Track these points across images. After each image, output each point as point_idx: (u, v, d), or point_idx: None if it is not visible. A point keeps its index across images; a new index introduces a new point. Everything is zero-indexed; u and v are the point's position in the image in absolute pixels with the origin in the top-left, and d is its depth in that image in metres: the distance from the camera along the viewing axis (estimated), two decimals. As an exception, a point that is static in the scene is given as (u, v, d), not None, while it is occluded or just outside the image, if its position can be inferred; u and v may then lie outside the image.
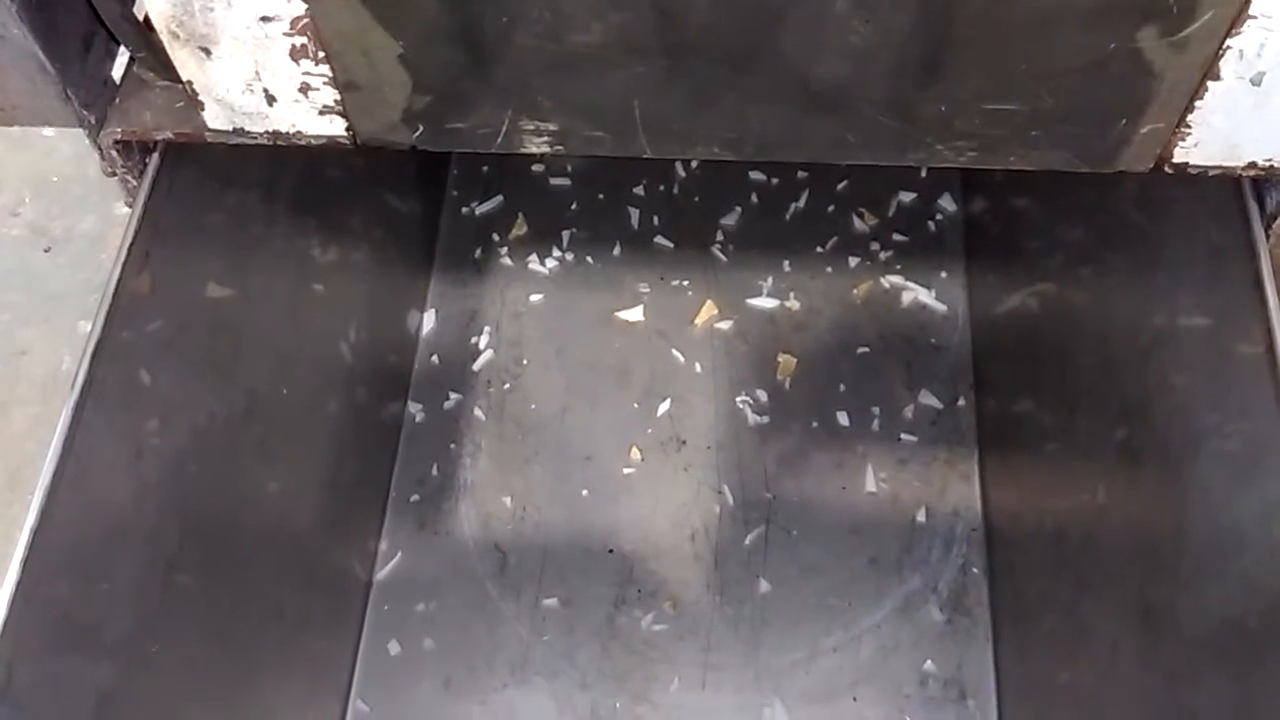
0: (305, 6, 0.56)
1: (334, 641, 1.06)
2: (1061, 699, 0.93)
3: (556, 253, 1.29)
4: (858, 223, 1.29)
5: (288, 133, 0.64)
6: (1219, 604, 0.71)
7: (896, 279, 1.26)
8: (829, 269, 1.27)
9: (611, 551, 1.13)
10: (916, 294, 1.25)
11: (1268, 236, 0.66)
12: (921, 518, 1.13)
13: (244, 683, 0.88)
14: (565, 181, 1.33)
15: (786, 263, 1.27)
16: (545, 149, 0.63)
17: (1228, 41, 0.54)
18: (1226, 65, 0.56)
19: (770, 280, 1.26)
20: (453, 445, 1.18)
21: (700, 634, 1.09)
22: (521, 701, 1.06)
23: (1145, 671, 0.79)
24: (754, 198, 1.31)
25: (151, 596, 0.73)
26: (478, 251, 1.29)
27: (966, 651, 1.07)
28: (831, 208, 1.30)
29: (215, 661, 0.83)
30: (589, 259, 1.29)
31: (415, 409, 1.21)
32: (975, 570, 1.11)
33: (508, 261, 1.29)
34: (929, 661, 1.07)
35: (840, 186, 1.31)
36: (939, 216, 1.29)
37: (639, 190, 1.32)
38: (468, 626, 1.09)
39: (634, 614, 1.10)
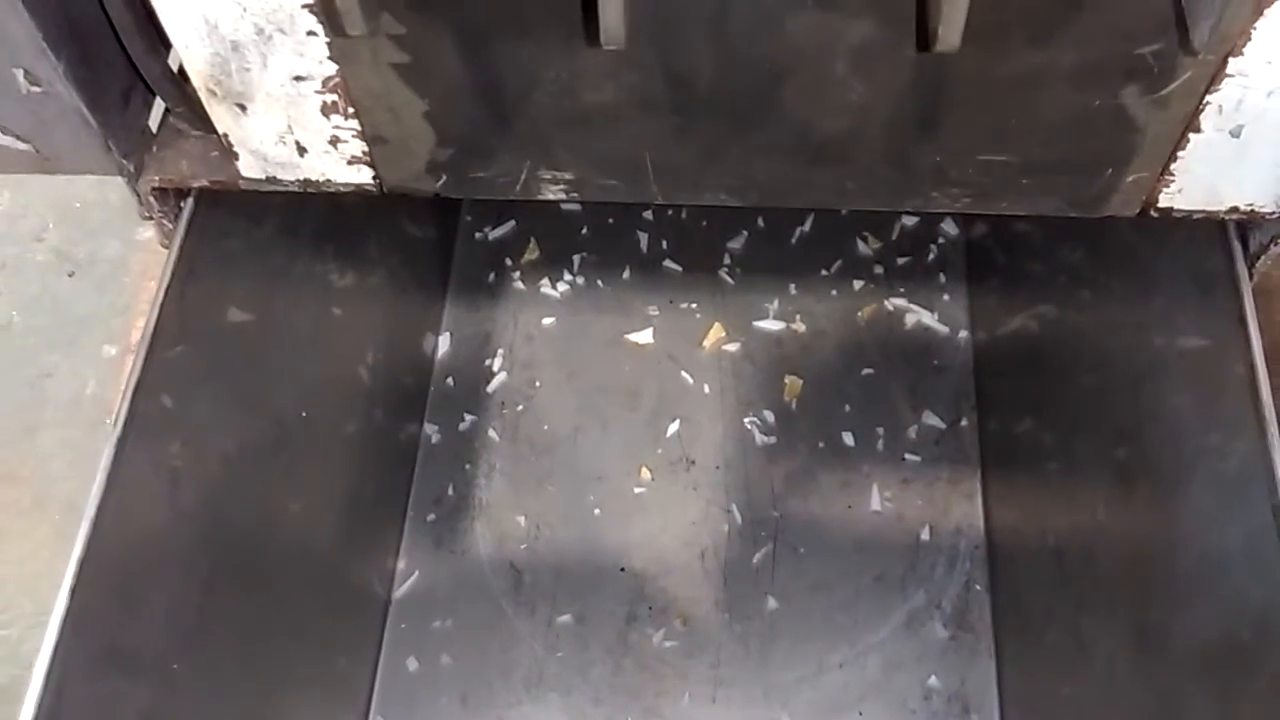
0: (336, 67, 0.59)
1: (354, 658, 1.09)
2: (1063, 713, 0.95)
3: (568, 276, 1.32)
4: (862, 247, 1.32)
5: (318, 181, 0.68)
6: (1212, 621, 0.73)
7: (900, 302, 1.29)
8: (834, 292, 1.30)
9: (623, 569, 1.16)
10: (920, 316, 1.28)
11: (1251, 275, 0.69)
12: (925, 536, 1.16)
13: (270, 699, 0.91)
14: (576, 207, 1.36)
15: (792, 286, 1.30)
16: (562, 196, 0.66)
17: (1207, 98, 0.57)
18: (1207, 119, 0.59)
19: (776, 303, 1.29)
20: (468, 465, 1.22)
21: (710, 650, 1.11)
22: (536, 716, 1.09)
23: (1143, 686, 0.81)
24: (760, 222, 1.34)
25: (186, 619, 0.76)
26: (491, 276, 1.32)
27: (970, 667, 1.10)
28: (836, 232, 1.33)
29: (243, 679, 0.86)
30: (599, 282, 1.32)
31: (431, 430, 1.24)
32: (978, 587, 1.14)
33: (520, 285, 1.32)
34: (933, 677, 1.09)
35: (844, 211, 1.34)
36: (941, 241, 1.32)
37: (648, 215, 1.35)
38: (484, 643, 1.12)
39: (645, 631, 1.12)
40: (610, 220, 1.35)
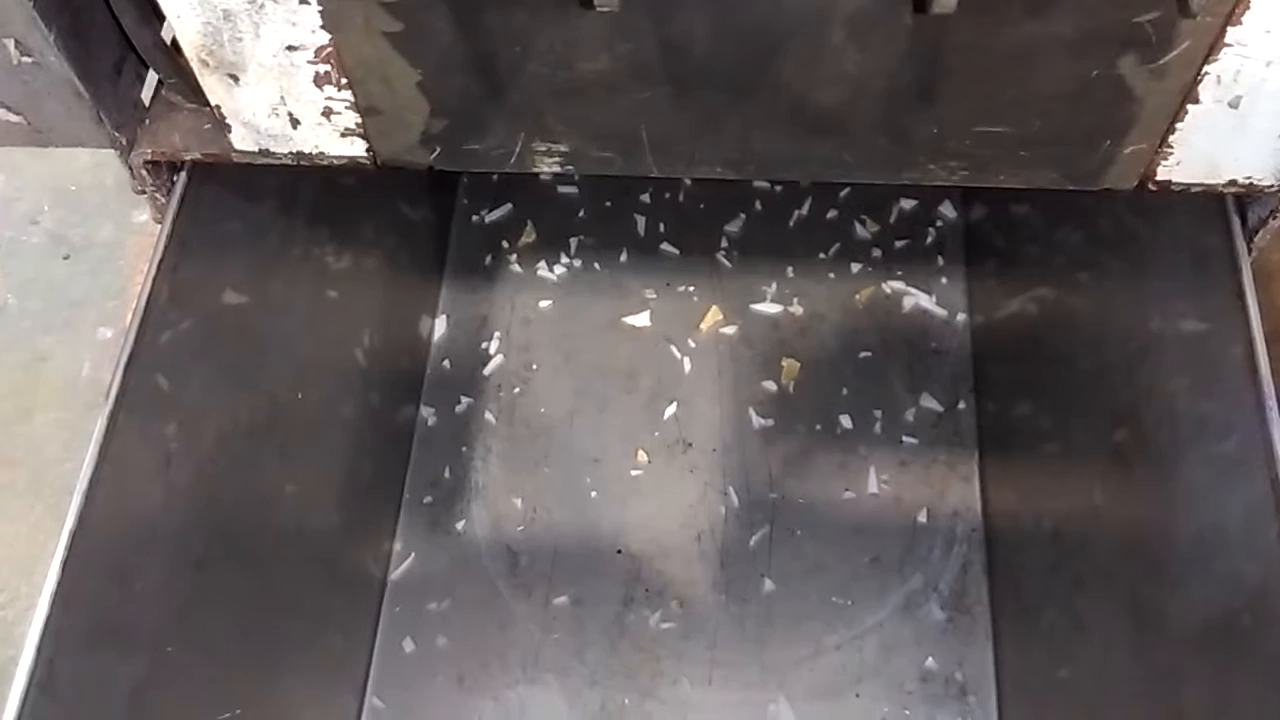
0: (329, 36, 0.59)
1: (350, 639, 1.09)
2: (1060, 694, 0.95)
3: (565, 259, 1.32)
4: (860, 229, 1.32)
5: (311, 154, 0.67)
6: (1210, 601, 0.73)
7: (898, 284, 1.28)
8: (831, 275, 1.29)
9: (620, 552, 1.15)
10: (917, 299, 1.28)
11: (1250, 250, 0.69)
12: (923, 518, 1.16)
13: (265, 679, 0.91)
14: (573, 190, 1.36)
15: (790, 269, 1.30)
16: (556, 168, 0.66)
17: (1205, 68, 0.57)
18: (1205, 90, 0.58)
19: (774, 286, 1.29)
20: (464, 448, 1.21)
21: (707, 632, 1.11)
22: (532, 698, 1.09)
23: (1141, 667, 0.81)
24: (758, 205, 1.34)
25: (179, 596, 0.76)
26: (488, 258, 1.32)
27: (967, 649, 1.10)
28: (834, 215, 1.33)
29: (238, 658, 0.86)
30: (596, 265, 1.31)
31: (428, 413, 1.24)
32: (975, 569, 1.13)
33: (517, 268, 1.32)
34: (930, 659, 1.09)
35: (842, 194, 1.34)
36: (939, 223, 1.32)
37: (645, 198, 1.35)
38: (480, 625, 1.12)
39: (642, 613, 1.12)
40: (607, 203, 1.35)
